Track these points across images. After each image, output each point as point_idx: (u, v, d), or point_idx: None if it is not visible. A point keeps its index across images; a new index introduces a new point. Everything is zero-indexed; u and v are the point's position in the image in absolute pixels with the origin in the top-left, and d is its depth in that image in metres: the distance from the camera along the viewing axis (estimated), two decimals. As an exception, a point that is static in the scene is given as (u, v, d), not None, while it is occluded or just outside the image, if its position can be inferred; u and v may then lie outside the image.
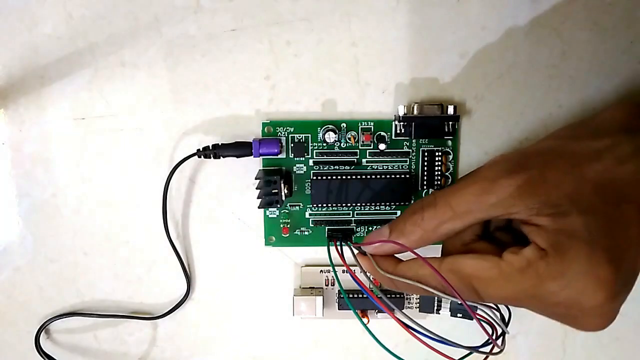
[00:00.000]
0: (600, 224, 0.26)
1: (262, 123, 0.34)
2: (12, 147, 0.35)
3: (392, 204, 0.35)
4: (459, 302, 0.35)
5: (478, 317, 0.30)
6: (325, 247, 0.36)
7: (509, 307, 0.33)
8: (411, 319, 0.30)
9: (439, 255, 0.31)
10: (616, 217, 0.27)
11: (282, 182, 0.34)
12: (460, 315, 0.36)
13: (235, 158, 0.34)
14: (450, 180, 0.35)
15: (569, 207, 0.26)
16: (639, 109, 0.30)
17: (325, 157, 0.35)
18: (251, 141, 0.34)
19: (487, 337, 0.34)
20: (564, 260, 0.26)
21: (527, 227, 0.28)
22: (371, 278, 0.37)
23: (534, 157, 0.28)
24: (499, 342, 0.30)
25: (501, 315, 0.31)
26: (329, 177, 0.34)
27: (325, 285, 0.37)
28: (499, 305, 0.31)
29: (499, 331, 0.31)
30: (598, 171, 0.27)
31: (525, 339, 0.38)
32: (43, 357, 0.37)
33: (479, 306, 0.30)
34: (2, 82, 0.34)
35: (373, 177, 0.35)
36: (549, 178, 0.27)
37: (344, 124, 0.35)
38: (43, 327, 0.37)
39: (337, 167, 0.35)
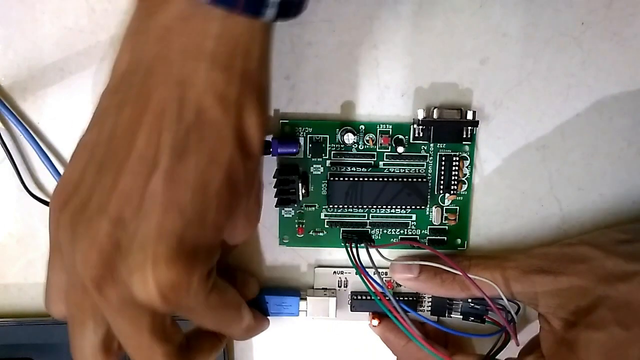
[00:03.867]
0: (603, 340, 0.29)
1: (281, 122, 0.35)
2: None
3: (408, 207, 0.35)
4: (471, 305, 0.36)
5: (493, 304, 0.33)
6: (339, 249, 0.36)
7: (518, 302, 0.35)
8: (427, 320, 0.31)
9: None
10: (622, 337, 0.29)
11: (299, 181, 0.34)
12: (472, 318, 0.36)
13: (252, 156, 0.34)
14: (466, 185, 0.35)
15: (581, 318, 0.30)
16: None
17: (342, 158, 0.35)
18: (270, 139, 0.34)
19: (493, 342, 0.35)
20: None
21: (542, 320, 0.33)
22: (384, 281, 0.37)
23: (565, 261, 0.32)
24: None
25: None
26: (346, 179, 0.35)
27: (338, 286, 0.37)
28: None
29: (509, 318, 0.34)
30: (622, 292, 0.29)
31: None
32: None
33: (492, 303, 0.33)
34: (21, 74, 0.34)
35: (390, 180, 0.35)
36: (574, 286, 0.30)
37: (363, 126, 0.35)
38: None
39: (354, 169, 0.35)
